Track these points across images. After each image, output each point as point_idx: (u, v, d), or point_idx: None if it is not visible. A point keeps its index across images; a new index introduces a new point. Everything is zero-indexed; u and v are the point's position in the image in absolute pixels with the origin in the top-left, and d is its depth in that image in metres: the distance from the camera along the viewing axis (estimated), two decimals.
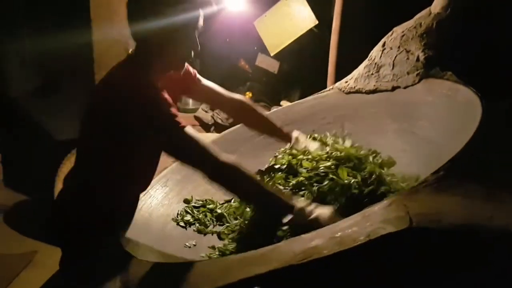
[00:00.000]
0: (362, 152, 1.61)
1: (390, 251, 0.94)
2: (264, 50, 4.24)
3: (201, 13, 1.47)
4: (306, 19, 3.66)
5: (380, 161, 1.59)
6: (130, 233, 1.50)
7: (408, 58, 1.72)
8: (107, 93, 1.51)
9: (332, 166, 1.52)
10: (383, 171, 1.52)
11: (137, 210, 1.64)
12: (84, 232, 1.54)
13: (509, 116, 1.31)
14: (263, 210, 1.54)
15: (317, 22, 3.65)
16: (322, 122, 1.99)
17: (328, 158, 1.57)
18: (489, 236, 0.94)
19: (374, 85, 1.85)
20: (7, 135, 3.81)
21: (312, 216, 1.31)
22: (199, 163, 1.43)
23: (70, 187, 1.67)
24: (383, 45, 1.87)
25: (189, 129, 1.42)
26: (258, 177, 1.43)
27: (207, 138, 2.33)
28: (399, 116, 1.73)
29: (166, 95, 1.51)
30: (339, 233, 1.00)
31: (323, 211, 1.33)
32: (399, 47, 1.78)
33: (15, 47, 3.91)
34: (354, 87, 1.95)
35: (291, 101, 3.74)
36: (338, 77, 2.80)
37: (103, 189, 1.56)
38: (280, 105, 4.03)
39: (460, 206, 1.00)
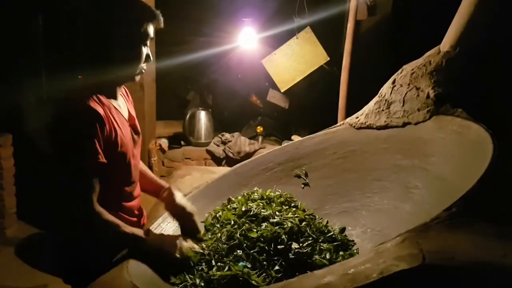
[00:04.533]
0: None
1: None
2: (275, 86, 4.31)
3: (150, 25, 1.52)
4: (318, 56, 3.75)
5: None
6: (138, 264, 1.50)
7: (418, 95, 1.74)
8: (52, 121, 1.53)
9: None
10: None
11: None
12: (85, 266, 1.55)
13: None
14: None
15: (328, 58, 3.73)
16: (332, 157, 1.99)
17: None
18: (503, 274, 0.94)
19: (385, 121, 1.86)
20: (21, 168, 3.87)
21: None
22: (74, 200, 1.45)
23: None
24: (393, 82, 1.89)
25: (92, 171, 1.44)
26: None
27: (218, 171, 2.36)
28: (410, 152, 1.73)
29: (128, 108, 1.66)
30: (352, 270, 1.00)
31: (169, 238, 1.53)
32: (409, 84, 1.80)
33: (34, 84, 4.04)
34: (365, 122, 1.96)
35: (301, 136, 3.77)
36: (348, 112, 2.83)
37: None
38: (291, 140, 4.07)
39: (473, 243, 1.00)
